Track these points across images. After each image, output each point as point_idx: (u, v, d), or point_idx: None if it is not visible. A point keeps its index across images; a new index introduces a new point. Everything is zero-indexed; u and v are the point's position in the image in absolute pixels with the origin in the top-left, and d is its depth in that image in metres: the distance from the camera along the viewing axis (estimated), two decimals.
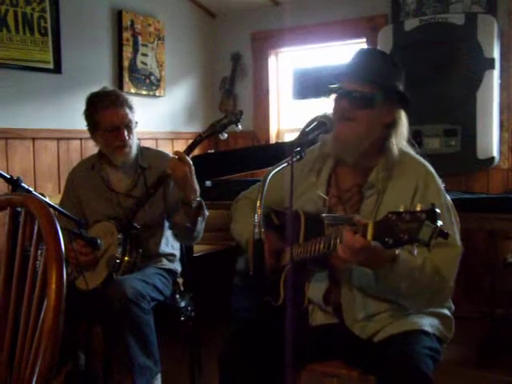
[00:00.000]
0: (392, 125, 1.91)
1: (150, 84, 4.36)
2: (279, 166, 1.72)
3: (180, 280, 2.83)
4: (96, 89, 2.73)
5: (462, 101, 3.61)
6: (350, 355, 1.86)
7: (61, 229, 1.27)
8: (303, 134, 1.76)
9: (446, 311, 1.94)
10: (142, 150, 2.80)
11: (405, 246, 1.44)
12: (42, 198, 2.18)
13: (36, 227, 1.31)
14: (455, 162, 3.69)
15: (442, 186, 1.92)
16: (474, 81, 3.57)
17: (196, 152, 2.70)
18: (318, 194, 1.96)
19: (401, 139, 1.91)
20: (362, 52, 1.94)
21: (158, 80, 4.42)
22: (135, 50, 4.23)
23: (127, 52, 4.17)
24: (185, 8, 4.73)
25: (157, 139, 4.39)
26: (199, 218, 2.52)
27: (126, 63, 4.15)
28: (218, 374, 1.88)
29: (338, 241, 1.66)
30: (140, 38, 4.26)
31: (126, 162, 2.69)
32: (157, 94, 4.42)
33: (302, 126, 1.82)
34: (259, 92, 4.84)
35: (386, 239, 1.46)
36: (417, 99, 3.59)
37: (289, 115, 4.90)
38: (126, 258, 2.53)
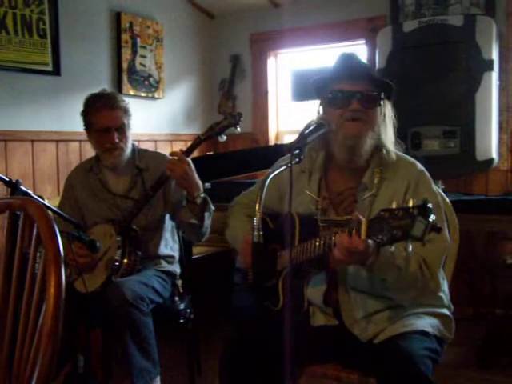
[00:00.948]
0: (382, 122, 1.92)
1: (149, 86, 4.36)
2: (278, 168, 1.72)
3: (179, 282, 2.82)
4: (95, 91, 2.74)
5: (461, 102, 3.61)
6: (350, 357, 1.87)
7: (60, 231, 1.27)
8: (302, 136, 1.76)
9: (446, 311, 1.94)
10: (140, 152, 2.80)
11: (399, 243, 1.44)
12: (41, 200, 2.18)
13: (35, 230, 1.31)
14: (454, 164, 3.69)
15: (433, 184, 1.92)
16: (473, 82, 3.58)
17: (195, 154, 2.70)
18: (309, 197, 1.96)
19: (390, 137, 1.92)
20: (346, 55, 1.95)
21: (157, 82, 4.42)
22: (134, 52, 4.23)
23: (126, 54, 4.17)
24: (184, 9, 4.73)
25: (156, 141, 4.39)
26: (206, 214, 2.53)
27: (124, 65, 4.15)
28: (218, 376, 1.88)
29: (333, 242, 1.66)
30: (139, 40, 4.26)
31: (117, 165, 2.70)
32: (156, 95, 4.42)
33: (300, 127, 1.83)
34: (258, 94, 4.84)
35: (380, 237, 1.46)
36: (416, 101, 3.66)
37: (288, 117, 4.90)
38: (125, 261, 2.53)
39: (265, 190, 1.60)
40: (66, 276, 1.21)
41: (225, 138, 2.53)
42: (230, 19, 4.90)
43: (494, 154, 3.65)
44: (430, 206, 1.39)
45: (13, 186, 2.21)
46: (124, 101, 2.70)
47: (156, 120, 4.44)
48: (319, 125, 1.81)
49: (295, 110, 4.75)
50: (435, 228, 1.39)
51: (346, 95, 1.86)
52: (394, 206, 1.46)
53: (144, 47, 4.31)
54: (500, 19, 3.77)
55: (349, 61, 1.92)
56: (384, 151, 1.90)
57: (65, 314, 1.19)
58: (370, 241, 1.53)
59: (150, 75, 4.36)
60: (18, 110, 3.50)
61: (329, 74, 1.93)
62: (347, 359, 1.88)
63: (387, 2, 4.17)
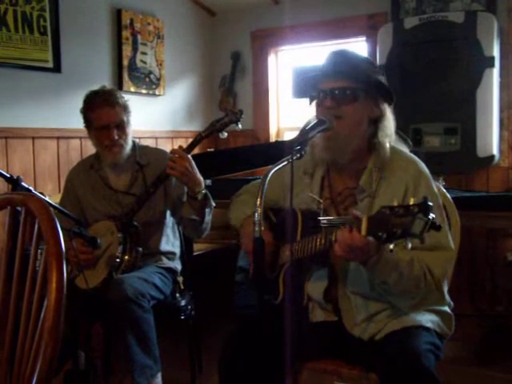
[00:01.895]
0: (378, 120, 1.90)
1: (150, 83, 4.35)
2: (279, 164, 1.72)
3: (180, 279, 2.83)
4: (95, 88, 2.74)
5: (462, 99, 3.60)
6: (351, 353, 1.87)
7: (61, 228, 1.27)
8: (303, 132, 1.76)
9: (446, 308, 1.94)
10: (140, 148, 2.81)
11: (398, 240, 1.44)
12: (42, 197, 2.18)
13: (36, 226, 1.31)
14: (455, 161, 3.68)
15: (435, 183, 1.92)
16: (474, 79, 3.57)
17: (196, 151, 2.71)
18: (311, 196, 1.96)
19: (388, 135, 1.91)
20: (334, 52, 1.94)
21: (158, 79, 4.42)
22: (135, 49, 4.23)
23: (127, 51, 4.16)
24: (184, 6, 4.72)
25: (156, 138, 4.39)
26: (206, 210, 2.53)
27: (125, 62, 4.15)
28: (218, 372, 1.88)
29: (334, 238, 1.66)
30: (139, 37, 4.26)
31: (117, 162, 2.70)
32: (156, 92, 4.42)
33: (301, 124, 1.83)
34: (259, 90, 4.84)
35: (380, 234, 1.46)
36: (417, 98, 3.66)
37: (289, 114, 4.90)
38: (126, 257, 2.54)
39: (266, 185, 1.60)
40: (67, 272, 1.22)
41: (226, 134, 2.53)
42: (230, 16, 4.89)
43: (495, 151, 3.65)
44: (430, 203, 1.39)
45: (14, 183, 2.21)
46: (123, 97, 2.70)
47: (157, 117, 4.44)
48: (320, 121, 1.81)
49: (296, 106, 4.75)
50: (435, 226, 1.39)
51: (323, 93, 1.87)
52: (395, 203, 1.46)
53: (145, 44, 4.30)
54: (501, 15, 3.76)
55: (334, 59, 1.92)
56: (380, 149, 1.89)
57: (66, 311, 1.19)
58: (370, 238, 1.53)
59: (150, 72, 4.35)
60: (18, 107, 3.49)
61: (315, 72, 1.94)
62: (347, 355, 1.88)
63: None
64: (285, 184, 2.02)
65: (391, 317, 1.82)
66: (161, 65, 4.44)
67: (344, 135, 1.85)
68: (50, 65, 3.64)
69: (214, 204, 2.58)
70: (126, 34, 4.15)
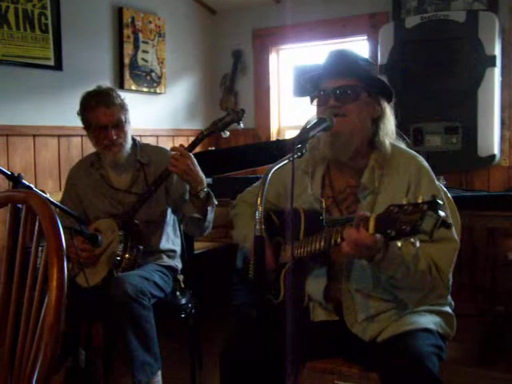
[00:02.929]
0: (378, 119, 1.91)
1: (151, 81, 4.35)
2: (280, 163, 1.72)
3: (181, 277, 2.83)
4: (96, 86, 2.73)
5: (463, 98, 3.61)
6: (351, 353, 1.87)
7: (62, 225, 1.27)
8: (304, 131, 1.76)
9: (448, 308, 1.94)
10: (141, 146, 2.80)
11: (407, 238, 1.44)
12: (43, 194, 2.18)
13: (37, 224, 1.31)
14: (456, 160, 3.69)
15: (435, 178, 1.91)
16: (475, 78, 3.57)
17: (197, 149, 2.70)
18: (313, 196, 1.96)
19: (389, 133, 1.91)
20: (334, 52, 1.95)
21: (159, 77, 4.42)
22: (136, 47, 4.23)
23: (128, 49, 4.16)
24: (186, 5, 4.72)
25: (157, 136, 4.39)
26: (209, 208, 2.53)
27: (126, 60, 4.15)
28: (219, 370, 1.88)
29: (339, 238, 1.66)
30: (141, 35, 4.26)
31: (118, 161, 2.69)
32: (157, 91, 4.41)
33: (302, 123, 1.83)
34: (260, 89, 4.84)
35: (388, 231, 1.46)
36: (418, 97, 3.65)
37: (290, 112, 4.89)
38: (127, 255, 2.54)
39: (267, 184, 1.60)
40: (67, 270, 1.21)
41: (228, 133, 2.53)
42: (232, 14, 4.89)
43: (496, 151, 3.65)
44: (439, 201, 1.38)
45: (15, 180, 2.22)
46: (119, 96, 2.68)
47: (158, 115, 4.44)
48: (320, 119, 1.80)
49: (297, 105, 4.75)
50: (445, 224, 1.38)
51: (325, 92, 1.87)
52: (404, 201, 1.46)
53: (146, 42, 4.30)
54: (503, 15, 3.76)
55: (334, 58, 1.92)
56: (381, 147, 1.89)
57: (66, 309, 1.19)
58: (378, 236, 1.53)
59: (151, 70, 4.35)
60: (19, 105, 3.49)
61: (315, 72, 1.94)
62: (348, 355, 1.88)
63: None
64: (284, 185, 2.02)
65: (392, 318, 1.82)
66: (162, 63, 4.44)
67: (347, 133, 1.85)
68: (52, 63, 3.64)
69: (216, 202, 2.58)
70: (127, 32, 4.15)
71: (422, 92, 3.68)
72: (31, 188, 2.22)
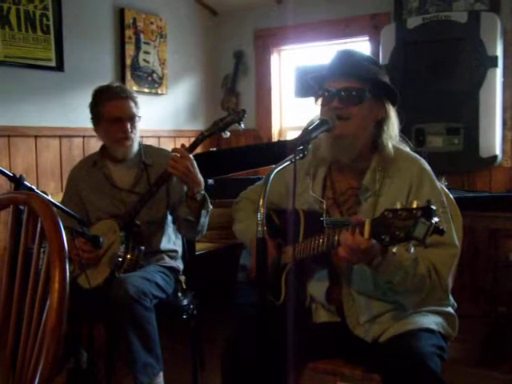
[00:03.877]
0: (382, 121, 1.90)
1: (153, 82, 4.35)
2: (282, 164, 1.72)
3: (182, 278, 2.83)
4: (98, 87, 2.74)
5: (465, 99, 3.60)
6: (353, 354, 1.86)
7: (63, 227, 1.27)
8: (306, 132, 1.75)
9: (450, 309, 1.94)
10: (145, 148, 2.81)
11: (401, 244, 1.44)
12: (45, 196, 2.18)
13: (39, 225, 1.31)
14: (458, 161, 3.68)
15: (438, 182, 1.91)
16: (477, 79, 3.57)
17: (198, 150, 2.70)
18: (314, 197, 1.96)
19: (392, 136, 1.91)
20: (341, 52, 1.94)
21: (161, 78, 4.42)
22: (137, 48, 4.23)
23: (129, 50, 4.16)
24: (187, 6, 4.72)
25: (159, 137, 4.39)
26: (203, 211, 2.52)
27: (128, 61, 4.15)
28: (221, 371, 1.88)
29: (337, 239, 1.66)
30: (142, 36, 4.26)
31: (128, 156, 2.70)
32: (159, 91, 4.42)
33: (304, 124, 1.82)
34: (262, 90, 4.83)
35: (383, 237, 1.46)
36: (419, 97, 3.65)
37: (291, 113, 4.89)
38: (129, 256, 2.53)
39: (269, 185, 1.60)
40: (69, 271, 1.21)
41: (228, 134, 2.53)
42: (233, 15, 4.89)
43: (498, 151, 3.64)
44: (433, 207, 1.38)
45: (16, 181, 2.21)
46: (133, 92, 2.73)
47: (159, 116, 4.44)
48: (323, 120, 1.80)
49: (299, 106, 4.74)
50: (438, 230, 1.38)
51: (330, 93, 1.86)
52: (398, 206, 1.45)
53: (147, 43, 4.30)
54: (504, 15, 3.75)
55: (341, 58, 1.91)
56: (384, 150, 1.89)
57: (68, 310, 1.19)
58: (374, 241, 1.52)
59: (153, 71, 4.35)
60: (21, 106, 3.50)
61: (321, 72, 1.93)
62: (351, 356, 1.88)
63: None
64: (286, 186, 2.01)
65: (394, 319, 1.82)
66: (163, 64, 4.44)
67: (350, 136, 1.84)
68: (53, 63, 3.64)
69: (211, 207, 2.58)
70: (128, 33, 4.15)
71: (424, 93, 3.67)
72: (33, 189, 2.22)
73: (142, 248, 2.58)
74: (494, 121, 3.59)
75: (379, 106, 1.89)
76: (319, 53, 4.69)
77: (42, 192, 2.26)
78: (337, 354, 1.90)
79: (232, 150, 4.45)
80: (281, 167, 1.67)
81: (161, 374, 2.49)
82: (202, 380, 2.91)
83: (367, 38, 4.34)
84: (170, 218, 2.79)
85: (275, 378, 1.80)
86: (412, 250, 1.42)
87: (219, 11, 4.95)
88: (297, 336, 1.58)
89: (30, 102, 3.54)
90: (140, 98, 2.75)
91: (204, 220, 2.56)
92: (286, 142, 4.27)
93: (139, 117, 2.69)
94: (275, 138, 4.81)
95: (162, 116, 4.48)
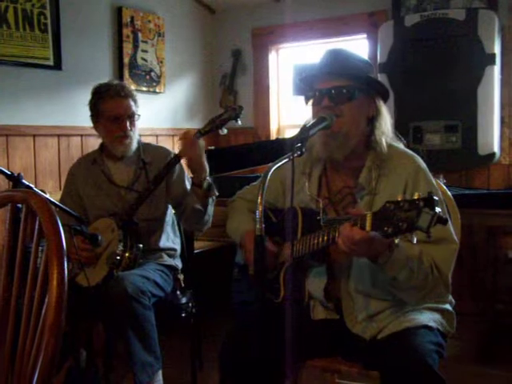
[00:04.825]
0: (374, 118, 1.91)
1: (151, 80, 4.35)
2: (280, 161, 1.72)
3: (181, 276, 2.83)
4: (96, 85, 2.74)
5: (463, 97, 3.61)
6: (351, 351, 1.86)
7: (62, 225, 1.27)
8: (304, 129, 1.75)
9: (448, 306, 1.94)
10: (144, 146, 2.81)
11: (404, 235, 1.44)
12: (43, 194, 2.18)
13: (37, 223, 1.31)
14: (456, 158, 3.69)
15: (433, 179, 1.91)
16: (475, 77, 3.57)
17: None
18: (310, 196, 1.96)
19: (385, 132, 1.91)
20: (328, 52, 1.95)
21: (159, 76, 4.42)
22: (135, 47, 4.23)
23: (127, 48, 4.16)
24: (185, 4, 4.72)
25: (157, 135, 4.39)
26: (209, 199, 2.55)
27: (126, 60, 4.15)
28: (219, 369, 1.88)
29: (337, 234, 1.66)
30: (140, 35, 4.26)
31: (126, 154, 2.71)
32: (157, 90, 4.41)
33: (302, 122, 1.83)
34: (260, 88, 4.83)
35: (385, 228, 1.46)
36: (417, 95, 3.65)
37: (289, 111, 4.89)
38: (127, 255, 2.53)
39: (266, 183, 1.60)
40: (68, 270, 1.21)
41: (226, 131, 2.53)
42: (231, 13, 4.89)
43: (496, 149, 3.65)
44: (435, 198, 1.38)
45: (15, 180, 2.21)
46: (133, 91, 2.73)
47: (157, 114, 4.44)
48: (321, 118, 1.80)
49: (297, 104, 4.74)
50: (441, 219, 1.38)
51: (319, 93, 1.87)
52: (399, 198, 1.46)
53: (145, 42, 4.30)
54: (502, 13, 3.76)
55: (329, 58, 1.92)
56: (378, 146, 1.89)
57: (67, 308, 1.19)
58: (375, 233, 1.52)
59: (151, 70, 4.35)
60: (19, 105, 3.49)
61: (310, 72, 1.94)
62: (348, 353, 1.88)
63: None
64: (283, 184, 2.02)
65: (392, 317, 1.82)
66: (161, 62, 4.44)
67: (343, 133, 1.85)
68: (51, 62, 3.64)
69: (217, 193, 2.60)
70: (126, 31, 4.14)
71: (422, 90, 3.68)
72: (31, 188, 2.22)
73: (141, 246, 2.58)
74: (492, 118, 3.60)
75: (370, 103, 1.90)
76: (317, 51, 4.68)
77: (41, 190, 2.26)
78: (335, 351, 1.90)
79: (230, 148, 4.45)
80: (278, 165, 1.67)
81: (160, 372, 2.49)
82: (200, 377, 2.91)
83: (365, 35, 4.34)
84: (168, 216, 2.79)
85: (274, 375, 1.80)
86: (415, 240, 1.42)
87: (217, 9, 4.94)
88: (295, 333, 1.58)
89: (28, 100, 3.54)
90: (138, 97, 2.76)
91: (210, 208, 2.59)
92: (284, 139, 4.28)
93: (138, 115, 2.70)
94: (273, 136, 4.81)
95: (160, 114, 4.48)
